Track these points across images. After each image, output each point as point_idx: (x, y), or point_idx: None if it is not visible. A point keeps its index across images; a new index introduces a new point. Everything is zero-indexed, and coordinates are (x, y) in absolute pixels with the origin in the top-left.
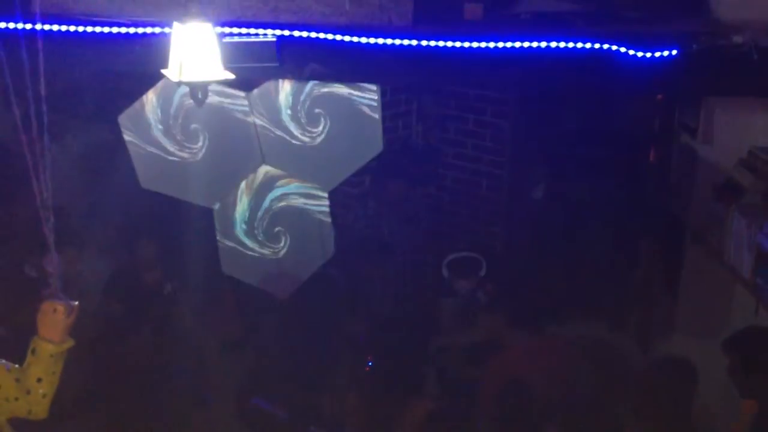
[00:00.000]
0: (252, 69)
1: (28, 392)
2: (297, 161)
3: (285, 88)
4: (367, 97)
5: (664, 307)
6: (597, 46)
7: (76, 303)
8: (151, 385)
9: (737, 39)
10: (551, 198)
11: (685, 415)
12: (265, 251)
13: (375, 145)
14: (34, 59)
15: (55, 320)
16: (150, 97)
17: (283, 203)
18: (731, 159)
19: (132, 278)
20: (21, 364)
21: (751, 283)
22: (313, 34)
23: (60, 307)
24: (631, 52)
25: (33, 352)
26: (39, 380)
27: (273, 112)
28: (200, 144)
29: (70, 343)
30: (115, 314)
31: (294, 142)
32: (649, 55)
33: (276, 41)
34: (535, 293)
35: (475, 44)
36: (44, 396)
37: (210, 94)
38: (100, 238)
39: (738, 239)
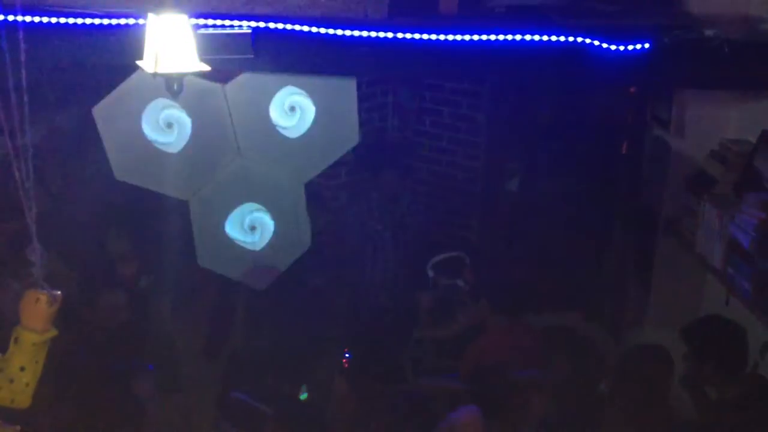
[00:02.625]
0: (227, 61)
1: (11, 381)
2: (273, 153)
3: (261, 79)
4: (342, 89)
5: (637, 296)
6: (571, 39)
7: (59, 293)
8: (127, 379)
9: (708, 32)
10: (526, 190)
11: (663, 401)
12: (242, 243)
13: (351, 137)
14: (7, 50)
15: (37, 310)
16: (125, 89)
17: (259, 195)
18: (702, 151)
19: (106, 271)
20: (3, 353)
21: (721, 272)
22: (289, 26)
23: (43, 297)
24: (605, 45)
25: (16, 341)
26: (22, 369)
27: (248, 104)
28: (175, 136)
29: (53, 332)
30: (88, 307)
31: (269, 134)
32: (622, 48)
33: (251, 33)
34: (510, 284)
35: (450, 37)
36: (27, 385)
37: (185, 85)
38: (74, 231)
39: (709, 229)
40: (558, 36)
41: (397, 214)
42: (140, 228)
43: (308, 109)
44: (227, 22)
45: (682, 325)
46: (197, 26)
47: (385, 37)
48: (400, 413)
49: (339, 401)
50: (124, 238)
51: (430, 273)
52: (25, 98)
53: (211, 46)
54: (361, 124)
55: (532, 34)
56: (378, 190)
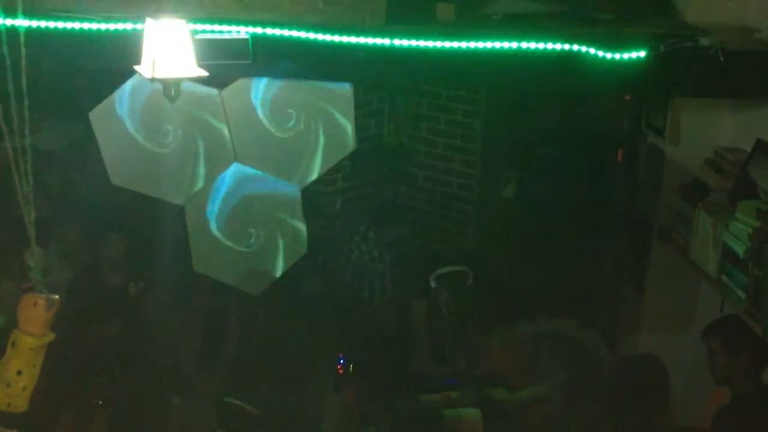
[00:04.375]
0: (225, 66)
1: (8, 385)
2: (269, 159)
3: (258, 85)
4: (339, 95)
5: (631, 304)
6: (567, 47)
7: (57, 297)
8: (120, 388)
9: (704, 41)
10: (521, 197)
11: (657, 411)
12: (238, 249)
13: (348, 143)
14: (6, 55)
15: (35, 313)
16: (122, 94)
17: (255, 200)
18: (697, 159)
19: (98, 278)
20: (0, 357)
21: (716, 280)
22: (286, 32)
23: (41, 301)
24: (601, 53)
25: (13, 345)
26: (19, 373)
27: (245, 110)
28: (172, 141)
29: (50, 336)
30: (79, 315)
31: (266, 139)
32: (618, 56)
33: (249, 38)
34: (505, 291)
35: (447, 44)
36: (24, 389)
37: (182, 91)
38: (68, 236)
39: (704, 238)
40: (554, 43)
41: (392, 220)
42: (134, 233)
43: (305, 115)
44: (225, 28)
45: (688, 333)
46: (195, 31)
47: (383, 44)
48: (399, 421)
49: (346, 410)
50: (116, 245)
51: (433, 284)
52: (24, 103)
53: (209, 52)
54: (358, 130)
55: (529, 42)
56: (373, 196)
